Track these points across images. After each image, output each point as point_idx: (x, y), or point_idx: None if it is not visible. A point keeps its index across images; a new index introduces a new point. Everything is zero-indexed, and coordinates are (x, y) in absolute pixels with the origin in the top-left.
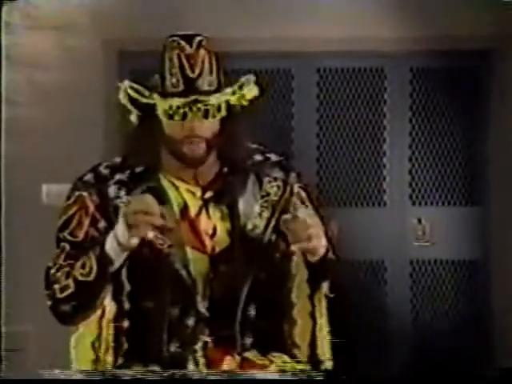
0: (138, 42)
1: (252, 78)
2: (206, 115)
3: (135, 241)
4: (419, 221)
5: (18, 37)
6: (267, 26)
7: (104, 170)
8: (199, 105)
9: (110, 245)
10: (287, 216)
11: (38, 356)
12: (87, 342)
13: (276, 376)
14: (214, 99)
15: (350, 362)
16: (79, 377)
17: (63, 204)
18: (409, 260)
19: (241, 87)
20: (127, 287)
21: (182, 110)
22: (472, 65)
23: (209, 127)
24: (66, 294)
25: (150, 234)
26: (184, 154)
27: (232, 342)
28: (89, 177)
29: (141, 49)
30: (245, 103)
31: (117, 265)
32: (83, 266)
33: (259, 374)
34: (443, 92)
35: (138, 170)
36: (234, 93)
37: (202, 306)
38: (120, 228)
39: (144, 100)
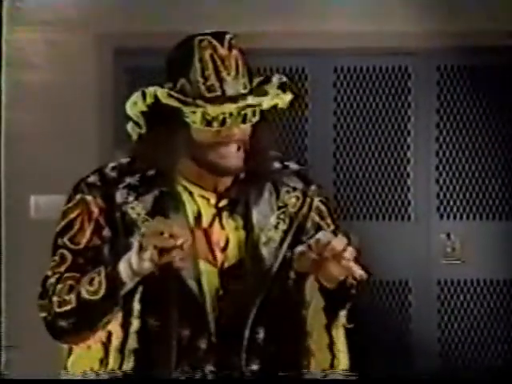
0: (136, 38)
1: (285, 78)
2: (244, 120)
3: (147, 266)
4: (448, 236)
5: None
6: (278, 20)
7: (111, 173)
8: (247, 110)
9: (123, 267)
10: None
11: None
12: (86, 365)
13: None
14: (265, 103)
15: None
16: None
17: (63, 207)
18: (436, 280)
19: (284, 89)
20: (137, 308)
21: (221, 117)
22: (506, 62)
23: (245, 133)
24: (65, 308)
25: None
26: (216, 162)
27: (236, 368)
28: (94, 179)
29: (139, 46)
30: (284, 106)
31: (128, 288)
32: (91, 283)
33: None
34: (474, 93)
35: (150, 173)
36: (278, 95)
37: (212, 327)
38: (133, 255)
39: (187, 108)
